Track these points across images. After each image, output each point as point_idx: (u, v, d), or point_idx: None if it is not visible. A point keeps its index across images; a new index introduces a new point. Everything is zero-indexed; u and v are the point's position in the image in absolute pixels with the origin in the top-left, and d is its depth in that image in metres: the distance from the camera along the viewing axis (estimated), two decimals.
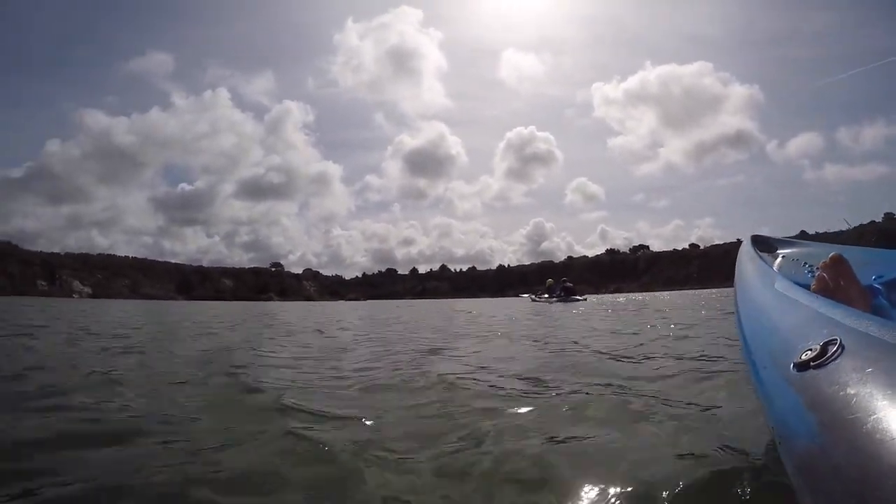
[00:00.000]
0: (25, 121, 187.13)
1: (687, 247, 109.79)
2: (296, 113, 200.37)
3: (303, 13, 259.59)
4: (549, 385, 2.78)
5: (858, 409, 0.55)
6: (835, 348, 0.68)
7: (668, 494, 1.27)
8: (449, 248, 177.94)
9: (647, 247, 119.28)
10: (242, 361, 3.90)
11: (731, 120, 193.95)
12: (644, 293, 54.59)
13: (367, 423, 2.08)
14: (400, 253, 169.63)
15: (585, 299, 20.03)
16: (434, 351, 4.62)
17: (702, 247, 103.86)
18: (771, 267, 1.68)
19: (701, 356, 3.62)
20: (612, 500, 1.29)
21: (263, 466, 1.60)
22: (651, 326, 6.98)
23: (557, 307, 15.53)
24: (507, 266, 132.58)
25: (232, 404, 2.49)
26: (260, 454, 1.71)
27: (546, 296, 21.16)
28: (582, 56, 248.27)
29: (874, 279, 1.38)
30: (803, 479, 0.61)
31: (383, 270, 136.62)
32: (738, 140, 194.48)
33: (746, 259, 1.74)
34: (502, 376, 3.15)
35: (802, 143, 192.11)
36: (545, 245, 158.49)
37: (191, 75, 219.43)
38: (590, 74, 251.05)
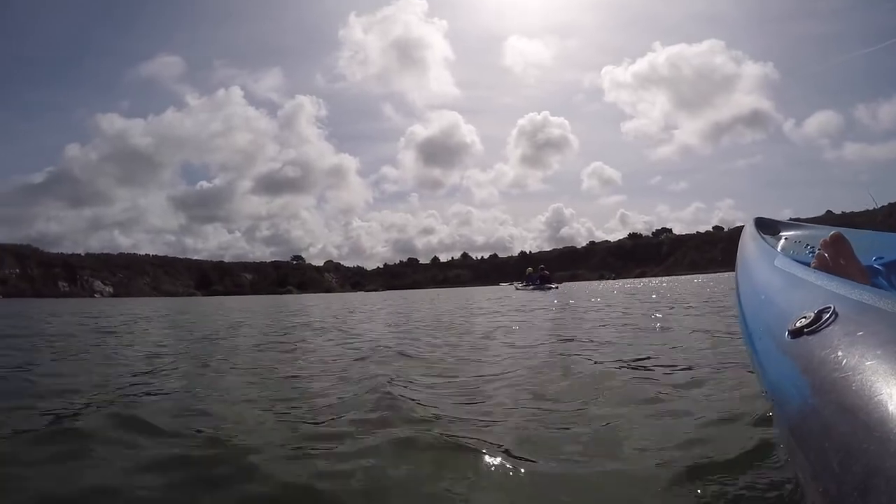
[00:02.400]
0: (44, 127, 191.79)
1: (710, 229, 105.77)
2: (308, 107, 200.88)
3: (306, 10, 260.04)
4: None
5: (848, 371, 0.57)
6: (828, 315, 0.70)
7: (664, 458, 1.36)
8: (469, 235, 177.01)
9: (670, 230, 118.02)
10: None
11: (745, 99, 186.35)
12: (667, 277, 56.67)
13: None
14: (420, 242, 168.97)
15: (557, 287, 21.85)
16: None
17: (726, 229, 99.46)
18: (772, 247, 1.69)
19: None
20: (610, 460, 1.39)
21: None
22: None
23: (536, 294, 17.38)
24: (529, 253, 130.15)
25: None
26: None
27: (524, 284, 23.30)
28: (590, 40, 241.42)
29: (874, 260, 1.41)
30: (795, 440, 0.63)
31: (404, 260, 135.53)
32: (754, 120, 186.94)
33: (748, 239, 1.78)
34: None
35: (820, 121, 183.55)
36: (565, 231, 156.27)
37: (200, 76, 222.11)
38: (599, 58, 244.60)
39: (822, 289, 0.82)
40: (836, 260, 1.11)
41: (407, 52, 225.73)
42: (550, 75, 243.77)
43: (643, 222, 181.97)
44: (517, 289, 23.35)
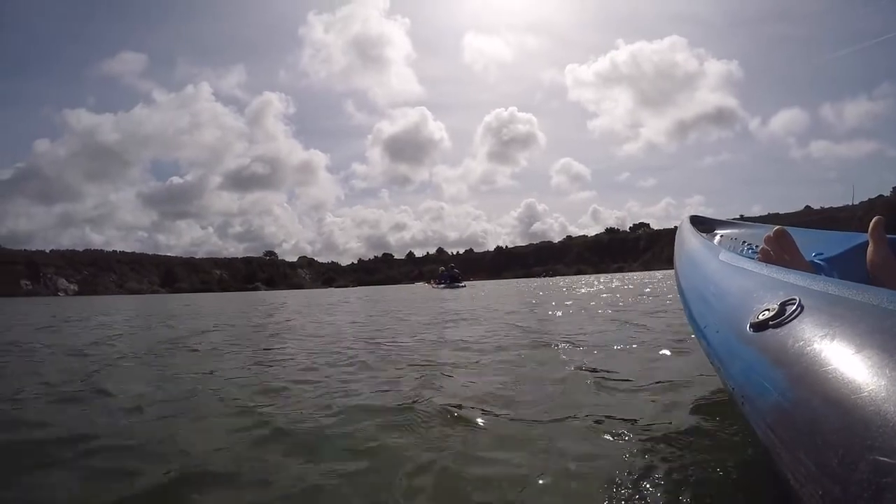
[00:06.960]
0: (11, 122, 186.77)
1: None
2: (276, 104, 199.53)
3: (264, 8, 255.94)
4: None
5: (830, 362, 0.54)
6: (794, 308, 0.68)
7: (630, 468, 1.24)
8: (442, 231, 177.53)
9: (648, 225, 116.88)
10: None
11: (710, 97, 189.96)
12: (645, 272, 55.58)
13: None
14: (393, 238, 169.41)
15: (465, 286, 22.93)
16: None
17: None
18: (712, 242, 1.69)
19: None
20: (565, 481, 1.22)
21: None
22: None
23: (446, 292, 17.69)
24: (504, 248, 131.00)
25: None
26: None
27: (437, 282, 24.65)
28: (553, 37, 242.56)
29: (814, 255, 1.41)
30: (776, 434, 0.59)
31: (379, 256, 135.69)
32: (719, 117, 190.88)
33: (688, 236, 1.76)
34: None
35: (786, 119, 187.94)
36: (537, 226, 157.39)
37: (162, 73, 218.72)
38: (562, 56, 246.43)
39: (781, 281, 0.80)
40: (780, 255, 1.10)
41: (367, 50, 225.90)
42: (515, 72, 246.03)
43: (615, 218, 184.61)
44: (431, 287, 24.50)
